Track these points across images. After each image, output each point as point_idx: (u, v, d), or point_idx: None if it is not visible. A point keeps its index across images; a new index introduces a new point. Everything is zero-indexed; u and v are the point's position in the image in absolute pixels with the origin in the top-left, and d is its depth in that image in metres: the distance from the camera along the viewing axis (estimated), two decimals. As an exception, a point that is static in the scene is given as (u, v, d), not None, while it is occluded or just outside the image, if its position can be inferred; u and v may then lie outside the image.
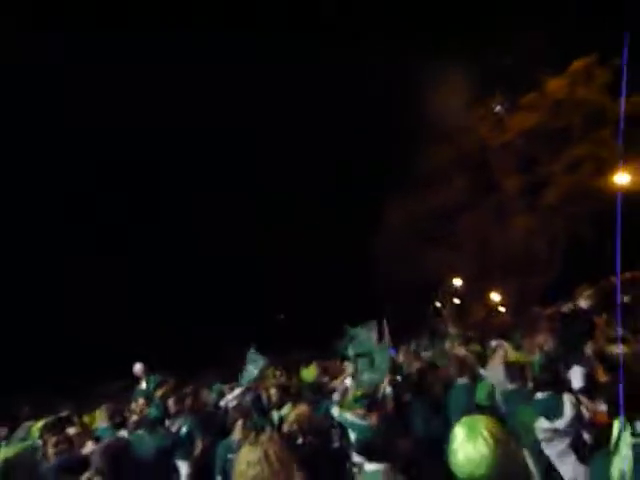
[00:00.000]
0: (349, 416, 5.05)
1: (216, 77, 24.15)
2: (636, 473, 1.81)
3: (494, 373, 5.51)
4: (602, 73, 17.63)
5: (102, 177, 28.09)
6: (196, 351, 21.34)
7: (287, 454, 2.14)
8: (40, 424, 4.99)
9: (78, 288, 23.89)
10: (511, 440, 1.97)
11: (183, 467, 4.49)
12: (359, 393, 5.23)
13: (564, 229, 19.87)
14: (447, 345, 9.87)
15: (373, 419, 4.79)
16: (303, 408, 3.89)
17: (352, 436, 4.99)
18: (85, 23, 25.07)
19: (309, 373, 7.98)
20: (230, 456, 4.21)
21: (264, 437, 2.21)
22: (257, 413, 5.29)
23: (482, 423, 1.97)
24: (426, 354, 8.88)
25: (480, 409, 4.17)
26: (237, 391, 5.90)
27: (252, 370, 6.25)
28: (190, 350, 21.61)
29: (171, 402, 5.07)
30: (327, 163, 24.94)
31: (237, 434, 4.26)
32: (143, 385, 6.38)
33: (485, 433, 1.91)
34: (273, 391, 5.21)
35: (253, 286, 30.09)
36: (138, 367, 6.56)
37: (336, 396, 6.00)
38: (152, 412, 5.22)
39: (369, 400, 4.98)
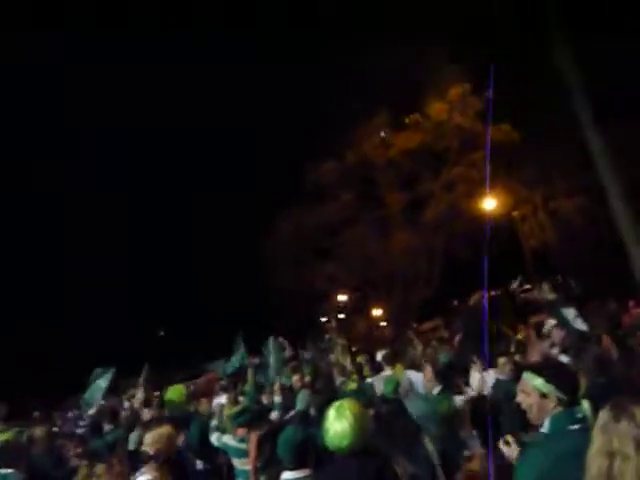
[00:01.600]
0: (226, 439, 4.52)
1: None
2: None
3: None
4: (475, 102, 19.15)
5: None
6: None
7: None
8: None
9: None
10: (368, 418, 2.51)
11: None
12: (236, 409, 4.72)
13: (441, 246, 21.07)
14: (333, 356, 9.72)
15: (252, 440, 4.29)
16: (165, 429, 3.24)
17: (235, 461, 4.48)
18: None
19: (175, 392, 7.38)
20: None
21: (101, 468, 1.60)
22: (93, 437, 4.55)
23: (346, 405, 2.44)
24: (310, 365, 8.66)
25: (387, 402, 4.50)
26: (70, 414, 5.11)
27: (100, 385, 5.49)
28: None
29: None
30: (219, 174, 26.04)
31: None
32: None
33: (348, 413, 2.37)
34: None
35: (136, 299, 30.10)
36: None
37: (214, 421, 5.43)
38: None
39: (249, 416, 4.48)
